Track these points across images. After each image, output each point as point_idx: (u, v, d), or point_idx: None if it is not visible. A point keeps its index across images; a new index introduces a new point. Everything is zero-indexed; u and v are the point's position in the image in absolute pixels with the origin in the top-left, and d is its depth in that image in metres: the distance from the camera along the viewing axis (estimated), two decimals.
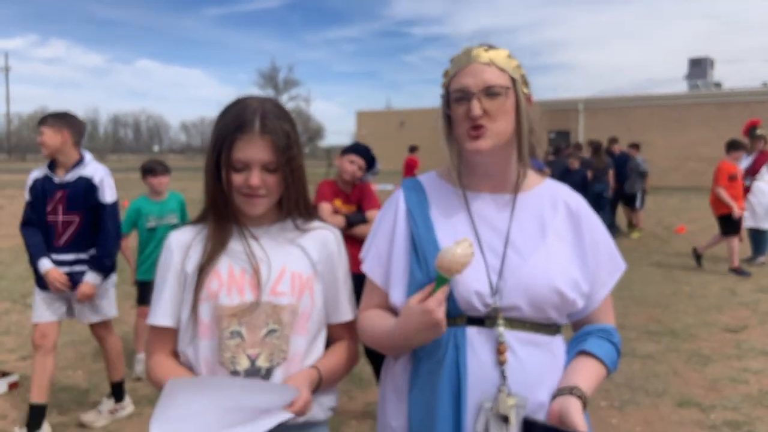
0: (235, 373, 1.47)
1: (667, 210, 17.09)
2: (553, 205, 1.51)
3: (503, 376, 1.35)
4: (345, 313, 1.65)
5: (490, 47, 1.47)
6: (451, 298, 1.38)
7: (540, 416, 1.36)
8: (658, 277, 8.28)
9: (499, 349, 1.36)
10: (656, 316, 6.37)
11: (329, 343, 1.65)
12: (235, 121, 1.49)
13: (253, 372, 1.48)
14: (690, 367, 4.88)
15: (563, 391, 1.33)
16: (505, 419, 1.31)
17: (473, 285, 1.39)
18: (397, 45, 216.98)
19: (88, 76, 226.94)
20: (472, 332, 1.38)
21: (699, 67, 33.35)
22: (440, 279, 1.32)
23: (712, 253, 10.05)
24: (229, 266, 1.53)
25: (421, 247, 1.45)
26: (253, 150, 1.48)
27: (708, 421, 3.90)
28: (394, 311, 1.51)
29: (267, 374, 1.49)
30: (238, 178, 1.50)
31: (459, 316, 1.40)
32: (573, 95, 31.60)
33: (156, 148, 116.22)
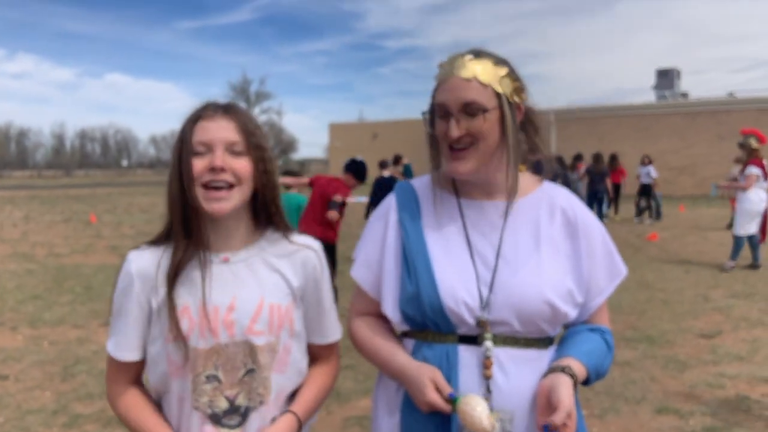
0: (214, 415, 1.38)
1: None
2: (550, 211, 1.46)
3: (488, 390, 1.32)
4: (329, 334, 1.55)
5: (477, 55, 1.39)
6: (441, 312, 1.35)
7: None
8: (633, 284, 8.33)
9: (485, 364, 1.33)
10: (632, 322, 6.40)
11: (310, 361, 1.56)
12: (195, 111, 1.40)
13: (232, 411, 1.38)
14: (667, 373, 4.90)
15: (554, 369, 1.32)
16: None
17: (463, 297, 1.35)
18: (370, 58, 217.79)
19: (57, 90, 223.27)
20: (464, 351, 1.35)
21: (666, 78, 34.07)
22: (454, 404, 1.29)
23: (685, 259, 10.19)
24: (200, 303, 1.37)
25: (411, 258, 1.41)
26: (215, 129, 1.35)
27: (687, 427, 3.90)
28: (386, 318, 1.50)
29: (246, 412, 1.39)
30: (199, 164, 1.33)
31: (450, 334, 1.37)
32: (544, 106, 31.81)
33: (125, 162, 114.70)
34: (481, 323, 1.34)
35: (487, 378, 1.33)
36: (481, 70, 1.35)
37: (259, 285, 1.42)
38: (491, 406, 1.30)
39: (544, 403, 1.29)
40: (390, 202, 1.53)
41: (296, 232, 1.54)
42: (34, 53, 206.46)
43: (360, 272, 1.51)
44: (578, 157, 15.38)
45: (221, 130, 1.35)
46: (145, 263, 1.41)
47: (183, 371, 1.37)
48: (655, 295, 7.75)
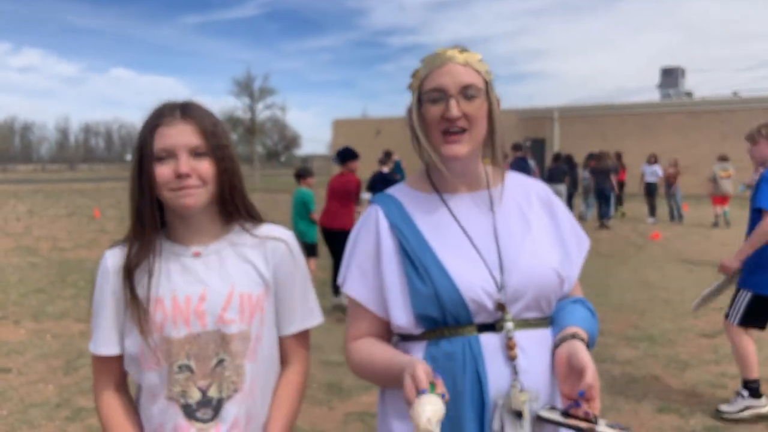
0: (186, 405, 1.39)
1: (642, 216, 17.28)
2: (525, 194, 1.54)
3: (515, 371, 1.35)
4: (297, 323, 1.53)
5: (464, 49, 1.45)
6: (461, 304, 1.36)
7: (554, 413, 1.33)
8: (635, 284, 8.34)
9: (509, 345, 1.36)
10: (634, 322, 6.40)
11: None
12: (153, 115, 1.40)
13: (204, 403, 1.40)
14: (669, 372, 4.90)
15: (564, 338, 1.36)
16: (518, 414, 1.30)
17: (480, 283, 1.37)
18: (374, 55, 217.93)
19: (62, 85, 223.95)
20: (485, 338, 1.37)
21: (670, 76, 33.99)
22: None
23: (688, 258, 10.17)
24: (172, 294, 1.40)
25: (417, 258, 1.40)
26: (176, 134, 1.35)
27: (688, 426, 3.91)
28: (388, 335, 1.48)
29: (218, 405, 1.40)
30: (163, 170, 1.35)
31: (469, 324, 1.38)
32: (548, 104, 31.85)
33: (129, 157, 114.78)
34: (499, 306, 1.37)
35: (512, 359, 1.36)
36: (472, 60, 1.44)
37: (230, 275, 1.44)
38: (521, 387, 1.32)
39: (565, 371, 1.32)
40: (374, 213, 1.51)
41: (267, 222, 1.54)
42: (39, 47, 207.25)
43: (355, 287, 1.47)
44: (591, 156, 15.69)
45: (182, 136, 1.36)
46: (119, 259, 1.44)
47: (157, 362, 1.40)
48: (656, 294, 7.76)
